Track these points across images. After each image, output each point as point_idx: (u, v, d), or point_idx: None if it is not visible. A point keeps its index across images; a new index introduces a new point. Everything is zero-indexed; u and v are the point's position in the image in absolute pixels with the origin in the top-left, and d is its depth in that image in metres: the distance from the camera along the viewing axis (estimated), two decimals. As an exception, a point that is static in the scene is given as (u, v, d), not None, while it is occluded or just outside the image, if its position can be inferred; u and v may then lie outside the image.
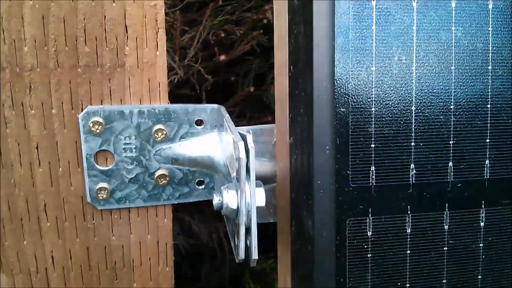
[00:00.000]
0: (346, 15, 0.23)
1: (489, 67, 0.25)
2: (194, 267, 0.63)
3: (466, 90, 0.24)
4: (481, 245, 0.26)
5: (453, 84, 0.24)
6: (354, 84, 0.23)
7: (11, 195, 0.31)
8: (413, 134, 0.24)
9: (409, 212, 0.24)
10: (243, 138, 0.24)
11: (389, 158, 0.24)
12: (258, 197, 0.24)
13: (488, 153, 0.25)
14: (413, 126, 0.24)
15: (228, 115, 0.30)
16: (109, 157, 0.31)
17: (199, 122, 0.31)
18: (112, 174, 0.31)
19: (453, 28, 0.24)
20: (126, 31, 0.29)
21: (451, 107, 0.24)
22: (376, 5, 0.23)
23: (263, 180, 0.33)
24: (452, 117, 0.24)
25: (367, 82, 0.23)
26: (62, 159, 0.30)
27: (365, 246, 0.24)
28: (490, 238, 0.26)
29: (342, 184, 0.23)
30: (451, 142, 0.25)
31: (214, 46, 0.49)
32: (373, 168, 0.24)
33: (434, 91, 0.24)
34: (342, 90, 0.23)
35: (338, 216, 0.24)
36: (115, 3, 0.28)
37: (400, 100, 0.24)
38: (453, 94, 0.24)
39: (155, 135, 0.31)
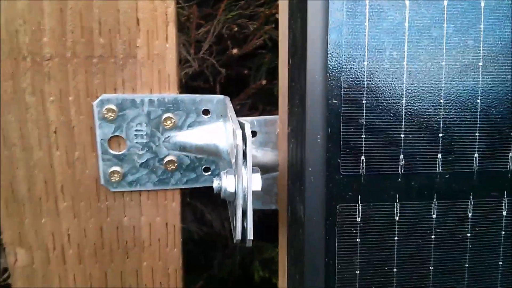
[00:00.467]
0: (339, 12, 0.24)
1: (480, 64, 0.25)
2: (206, 254, 0.65)
3: (456, 85, 0.25)
4: (468, 234, 0.27)
5: (443, 79, 0.25)
6: (346, 77, 0.24)
7: (31, 176, 0.33)
8: (403, 126, 0.25)
9: (397, 200, 0.26)
10: (242, 126, 0.25)
11: (379, 148, 0.25)
12: (254, 182, 0.26)
13: (477, 146, 0.26)
14: (403, 118, 0.25)
15: (231, 105, 0.31)
16: (122, 142, 0.33)
17: (206, 112, 0.33)
18: (124, 159, 0.33)
19: (445, 25, 0.25)
20: (138, 24, 0.30)
21: (441, 101, 0.25)
22: (369, 2, 0.24)
23: (266, 168, 0.34)
24: (442, 111, 0.25)
25: (359, 76, 0.24)
26: (78, 144, 0.32)
27: (354, 231, 0.25)
28: (477, 228, 0.27)
29: (333, 172, 0.25)
30: (440, 135, 0.25)
31: (228, 40, 0.50)
32: (363, 157, 0.25)
33: (425, 85, 0.25)
34: (334, 82, 0.24)
35: (328, 202, 0.25)
36: (127, -2, 0.30)
37: (390, 93, 0.25)
38: (443, 88, 0.25)
39: (165, 123, 0.32)
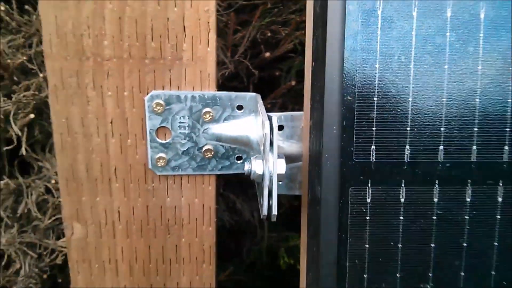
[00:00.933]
0: (355, 22, 0.28)
1: (479, 67, 0.29)
2: (237, 241, 0.70)
3: (457, 86, 0.29)
4: (466, 217, 0.30)
5: (445, 81, 0.29)
6: (360, 78, 0.28)
7: (89, 160, 0.38)
8: (409, 120, 0.29)
9: (403, 185, 0.29)
10: (269, 118, 0.30)
11: (387, 139, 0.29)
12: (279, 165, 0.30)
13: (475, 139, 0.29)
14: (409, 114, 0.29)
15: (261, 101, 0.36)
16: (167, 132, 0.37)
17: (239, 107, 0.37)
18: (169, 147, 0.38)
19: (448, 33, 0.29)
20: (184, 31, 0.35)
21: (443, 99, 0.29)
22: (381, 14, 0.28)
23: (292, 158, 0.38)
24: (444, 108, 0.29)
25: (371, 76, 0.28)
26: (130, 133, 0.37)
27: (364, 210, 0.29)
28: (475, 212, 0.30)
29: (346, 159, 0.29)
30: (442, 129, 0.29)
31: (261, 44, 0.55)
32: (373, 147, 0.29)
33: (429, 86, 0.29)
34: (349, 82, 0.28)
35: (342, 184, 0.29)
36: (176, 8, 0.34)
37: (399, 92, 0.29)
38: (445, 89, 0.29)
39: (204, 116, 0.37)
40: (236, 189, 0.65)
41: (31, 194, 0.64)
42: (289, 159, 0.37)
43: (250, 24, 0.55)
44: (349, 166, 0.29)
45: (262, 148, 0.31)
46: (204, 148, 0.38)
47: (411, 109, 0.29)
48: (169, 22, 0.35)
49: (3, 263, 0.69)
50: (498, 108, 0.29)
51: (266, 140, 0.29)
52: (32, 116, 0.54)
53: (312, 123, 0.32)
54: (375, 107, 0.28)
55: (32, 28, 0.55)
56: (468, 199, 0.30)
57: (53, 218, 0.65)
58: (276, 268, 0.64)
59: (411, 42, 0.28)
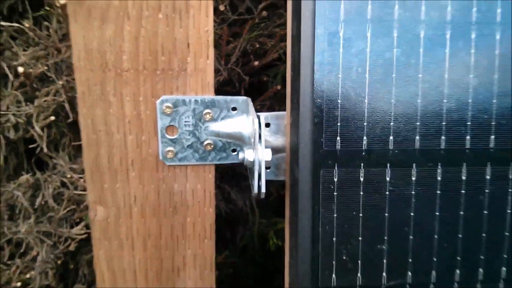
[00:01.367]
0: (322, 42, 0.36)
1: (420, 75, 0.37)
2: (231, 229, 0.78)
3: (402, 90, 0.37)
4: (413, 192, 0.38)
5: (393, 86, 0.37)
6: (327, 85, 0.36)
7: (110, 153, 0.46)
8: (365, 117, 0.37)
9: (362, 167, 0.37)
10: (258, 117, 0.38)
11: (349, 132, 0.37)
12: (265, 154, 0.38)
13: (418, 130, 0.38)
14: (365, 112, 0.37)
15: (252, 103, 0.44)
16: (175, 130, 0.45)
17: (234, 109, 0.45)
18: (176, 141, 0.46)
19: (394, 50, 0.37)
20: (188, 47, 0.43)
21: (392, 101, 0.37)
22: (342, 35, 0.36)
23: (277, 150, 0.46)
24: (393, 107, 0.37)
25: (335, 84, 0.36)
26: (145, 130, 0.45)
27: (332, 187, 0.37)
28: (419, 188, 0.38)
29: (317, 148, 0.37)
30: (391, 123, 0.37)
31: (251, 54, 0.63)
32: (338, 138, 0.37)
33: (380, 90, 0.37)
34: (319, 88, 0.36)
35: (314, 167, 0.37)
36: (181, 29, 0.42)
37: (357, 95, 0.37)
38: (393, 93, 0.37)
39: (205, 116, 0.45)
40: (231, 181, 0.73)
41: (48, 188, 0.72)
42: (275, 150, 0.45)
43: (241, 37, 0.63)
44: (320, 154, 0.37)
45: (252, 140, 0.40)
46: (205, 143, 0.46)
47: (367, 108, 0.37)
48: (176, 41, 0.43)
49: (21, 251, 0.76)
50: (435, 106, 0.37)
51: (256, 134, 0.37)
52: (52, 118, 0.61)
53: (291, 121, 0.40)
54: (339, 107, 0.37)
55: (49, 41, 0.63)
56: (414, 178, 0.38)
57: (68, 209, 0.73)
58: (266, 249, 0.72)
59: (366, 57, 0.36)
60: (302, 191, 0.37)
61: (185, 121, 0.45)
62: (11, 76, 0.59)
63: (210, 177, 0.48)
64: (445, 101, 0.38)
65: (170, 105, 0.44)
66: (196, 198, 0.48)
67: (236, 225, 0.76)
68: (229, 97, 0.45)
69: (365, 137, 0.37)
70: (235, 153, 0.47)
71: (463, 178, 0.39)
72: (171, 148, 0.45)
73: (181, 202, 0.48)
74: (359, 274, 0.39)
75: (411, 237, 0.39)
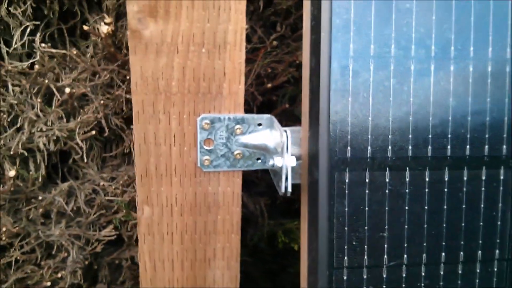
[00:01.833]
0: (336, 74, 0.46)
1: (411, 99, 0.48)
2: (242, 230, 0.87)
3: (398, 111, 0.47)
4: (407, 190, 0.48)
5: (391, 108, 0.47)
6: (340, 107, 0.46)
7: (158, 161, 0.55)
8: (369, 132, 0.47)
9: (367, 171, 0.47)
10: (286, 131, 0.48)
11: (357, 143, 0.47)
12: (291, 161, 0.48)
13: (410, 142, 0.48)
14: (369, 128, 0.47)
15: (277, 120, 0.53)
16: (211, 142, 0.55)
17: (259, 124, 0.55)
18: (212, 152, 0.55)
19: (391, 79, 0.47)
20: (224, 75, 0.53)
21: (390, 119, 0.47)
22: (351, 68, 0.46)
23: (296, 157, 0.56)
24: (390, 124, 0.47)
25: (346, 106, 0.47)
26: (186, 142, 0.54)
27: (344, 187, 0.47)
28: (411, 187, 0.48)
29: (332, 155, 0.47)
30: (389, 136, 0.47)
31: (264, 77, 0.73)
32: (348, 148, 0.47)
33: (381, 111, 0.47)
34: (334, 109, 0.46)
35: (330, 171, 0.47)
36: (220, 60, 0.52)
37: (363, 114, 0.47)
38: (391, 113, 0.47)
39: (236, 131, 0.55)
40: (243, 188, 0.82)
41: (81, 194, 0.80)
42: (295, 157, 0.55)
43: (254, 62, 0.73)
44: (334, 160, 0.47)
45: (280, 150, 0.49)
46: (235, 152, 0.55)
47: (371, 125, 0.47)
48: (215, 70, 0.52)
49: (53, 252, 0.84)
50: (423, 123, 0.48)
51: (284, 145, 0.47)
52: (93, 132, 0.70)
53: (310, 134, 0.50)
54: (349, 124, 0.47)
55: (88, 64, 0.72)
56: (407, 179, 0.48)
57: (98, 213, 0.81)
58: (274, 247, 0.81)
59: (369, 85, 0.47)
60: (321, 190, 0.47)
61: (220, 135, 0.54)
62: (58, 95, 0.68)
63: (238, 181, 0.57)
64: (430, 118, 0.48)
65: (208, 121, 0.54)
66: (226, 198, 0.57)
67: (247, 226, 0.85)
68: (256, 115, 0.55)
69: (369, 147, 0.47)
70: (259, 161, 0.56)
71: (446, 179, 0.49)
72: (207, 157, 0.55)
73: (213, 202, 0.57)
74: (365, 256, 0.48)
75: (405, 226, 0.49)
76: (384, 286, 0.49)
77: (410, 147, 0.48)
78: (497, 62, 0.48)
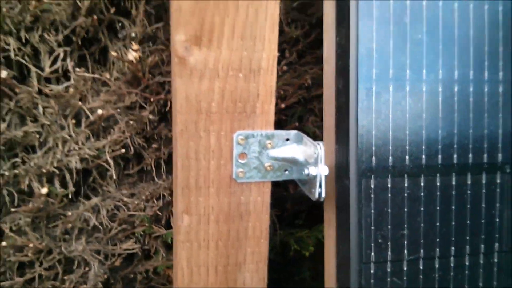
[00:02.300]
0: (362, 95, 0.53)
1: (423, 115, 0.55)
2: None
3: (414, 125, 0.55)
4: (422, 194, 0.56)
5: (407, 122, 0.55)
6: (365, 123, 0.54)
7: (197, 175, 0.60)
8: (390, 144, 0.54)
9: (389, 177, 0.55)
10: (319, 144, 0.54)
11: (380, 154, 0.54)
12: (325, 170, 0.54)
13: (424, 154, 0.55)
14: (390, 140, 0.54)
15: (307, 136, 0.60)
16: (245, 156, 0.61)
17: (287, 139, 0.62)
18: (245, 164, 0.61)
19: (407, 99, 0.55)
20: (258, 97, 0.59)
21: (407, 132, 0.55)
22: (374, 90, 0.54)
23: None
24: (407, 136, 0.55)
25: (370, 122, 0.54)
26: (223, 156, 0.60)
27: (370, 192, 0.54)
28: (426, 191, 0.56)
29: (360, 165, 0.54)
30: (407, 147, 0.55)
31: (277, 99, 0.80)
32: (373, 158, 0.54)
33: (399, 125, 0.55)
34: (360, 125, 0.53)
35: (358, 178, 0.54)
36: (254, 84, 0.59)
37: (384, 129, 0.54)
38: (407, 126, 0.55)
39: (267, 145, 0.61)
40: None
41: (103, 210, 0.84)
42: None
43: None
44: (362, 169, 0.54)
45: (312, 160, 0.56)
46: (266, 165, 0.62)
47: (391, 138, 0.54)
48: (249, 92, 0.59)
49: (74, 267, 0.87)
50: (434, 136, 0.56)
51: (319, 156, 0.53)
52: (123, 150, 0.75)
53: (338, 147, 0.57)
54: (373, 137, 0.54)
55: (116, 87, 0.77)
56: (422, 184, 0.56)
57: (119, 228, 0.85)
58: (285, 254, 0.87)
59: (389, 105, 0.54)
60: (351, 195, 0.54)
61: (253, 149, 0.61)
62: (91, 117, 0.73)
63: (267, 191, 0.63)
64: (439, 131, 0.56)
65: (243, 137, 0.60)
66: (256, 207, 0.63)
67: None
68: (284, 131, 0.61)
69: (390, 157, 0.54)
70: (287, 172, 0.63)
71: (453, 183, 0.57)
72: (241, 169, 0.61)
73: (245, 211, 0.63)
74: (389, 252, 0.55)
75: (421, 225, 0.56)
76: (405, 278, 0.56)
77: (423, 156, 0.55)
78: (491, 84, 0.57)
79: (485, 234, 0.58)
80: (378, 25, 0.53)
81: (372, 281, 0.54)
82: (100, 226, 0.83)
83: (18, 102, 0.70)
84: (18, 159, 0.73)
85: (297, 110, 0.82)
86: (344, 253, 0.56)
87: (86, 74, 0.71)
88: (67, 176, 0.76)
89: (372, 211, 0.54)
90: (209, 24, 0.55)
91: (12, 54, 0.67)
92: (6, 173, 0.71)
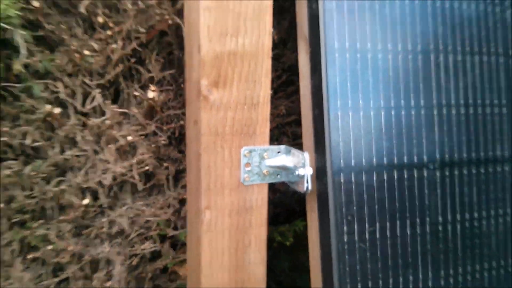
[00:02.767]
0: (331, 119, 0.78)
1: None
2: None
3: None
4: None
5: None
6: (336, 137, 0.78)
7: (216, 180, 0.82)
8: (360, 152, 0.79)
9: (352, 174, 0.79)
10: (304, 153, 0.78)
11: (347, 162, 0.79)
12: (310, 170, 0.78)
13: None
14: (362, 150, 0.79)
15: (294, 148, 0.84)
16: (249, 165, 0.83)
17: (279, 152, 0.85)
18: (250, 171, 0.83)
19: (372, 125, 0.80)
20: (257, 123, 0.83)
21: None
22: (340, 115, 0.79)
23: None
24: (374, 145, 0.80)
25: (338, 139, 0.79)
26: (233, 165, 0.82)
27: (340, 185, 0.78)
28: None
29: (334, 166, 0.78)
30: (373, 158, 0.80)
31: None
32: (341, 161, 0.79)
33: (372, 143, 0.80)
34: (334, 143, 0.78)
35: (332, 176, 0.78)
36: (255, 112, 0.82)
37: (349, 142, 0.79)
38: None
39: (264, 157, 0.84)
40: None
41: (123, 218, 1.03)
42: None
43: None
44: (335, 169, 0.78)
45: (300, 165, 0.80)
46: (264, 171, 0.84)
47: (352, 151, 0.79)
48: (252, 119, 0.82)
49: (99, 267, 1.05)
50: (379, 146, 0.81)
51: (305, 162, 0.77)
52: (147, 168, 0.95)
53: (316, 156, 0.81)
54: (341, 151, 0.79)
55: (143, 119, 0.98)
56: (374, 178, 0.81)
57: (139, 231, 1.05)
58: (269, 245, 1.09)
59: (350, 124, 0.79)
60: (329, 188, 0.78)
61: (254, 160, 0.84)
62: (121, 142, 0.93)
63: (265, 191, 0.86)
64: (384, 142, 0.81)
65: (248, 151, 0.83)
66: (258, 203, 0.86)
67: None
68: (276, 146, 0.85)
69: (352, 160, 0.79)
70: (278, 175, 0.86)
71: (395, 177, 0.82)
72: (247, 175, 0.83)
73: (249, 206, 0.85)
74: (355, 225, 0.79)
75: (376, 206, 0.81)
76: (367, 243, 0.80)
77: (374, 159, 0.81)
78: (415, 109, 0.83)
79: (419, 211, 0.83)
80: (339, 72, 0.78)
81: (345, 246, 0.78)
82: (122, 231, 1.02)
83: (63, 132, 0.90)
84: (63, 178, 0.91)
85: (274, 133, 1.05)
86: (325, 228, 0.79)
87: (119, 110, 0.92)
88: (100, 190, 0.95)
89: (343, 198, 0.78)
90: (223, 73, 0.79)
91: (61, 95, 0.87)
92: (53, 189, 0.90)
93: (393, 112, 0.82)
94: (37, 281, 0.98)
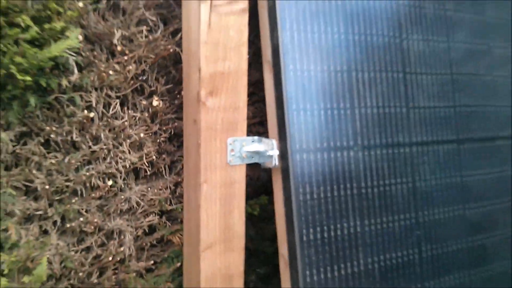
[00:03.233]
0: (290, 116, 1.15)
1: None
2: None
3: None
4: (326, 162, 1.18)
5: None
6: (297, 126, 1.15)
7: (211, 161, 1.15)
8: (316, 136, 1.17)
9: (305, 154, 1.16)
10: (272, 141, 1.14)
11: (301, 145, 1.16)
12: (276, 152, 1.14)
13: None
14: (317, 135, 1.16)
15: (265, 138, 1.19)
16: (233, 150, 1.17)
17: (253, 141, 1.20)
18: (234, 155, 1.17)
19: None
20: (238, 121, 1.18)
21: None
22: (295, 113, 1.16)
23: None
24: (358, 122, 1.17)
25: (297, 129, 1.15)
26: (223, 151, 1.16)
27: (297, 162, 1.15)
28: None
29: (293, 149, 1.15)
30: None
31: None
32: (297, 145, 1.15)
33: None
34: (293, 132, 1.15)
35: (292, 155, 1.15)
36: (237, 114, 1.17)
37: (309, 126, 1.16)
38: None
39: (243, 144, 1.19)
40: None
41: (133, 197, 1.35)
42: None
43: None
44: (293, 150, 1.15)
45: (269, 148, 1.15)
46: (243, 155, 1.19)
47: (307, 137, 1.17)
48: (235, 119, 1.17)
49: (114, 236, 1.35)
50: (325, 135, 1.19)
51: (274, 146, 1.13)
52: (153, 157, 1.27)
53: (280, 142, 1.17)
54: (298, 138, 1.16)
55: (148, 121, 1.30)
56: (319, 156, 1.18)
57: (144, 207, 1.36)
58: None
59: (307, 120, 1.17)
60: (290, 164, 1.14)
61: (237, 147, 1.18)
62: (136, 138, 1.25)
63: (244, 170, 1.21)
64: (331, 132, 1.20)
65: (232, 141, 1.17)
66: (239, 178, 1.20)
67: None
68: (251, 137, 1.20)
69: (305, 143, 1.16)
70: (253, 158, 1.21)
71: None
72: (231, 158, 1.18)
73: (233, 181, 1.19)
74: (314, 189, 1.16)
75: (321, 176, 1.19)
76: (322, 201, 1.17)
77: (320, 144, 1.18)
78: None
79: (348, 179, 1.22)
80: (294, 85, 1.15)
81: (301, 203, 1.15)
82: (131, 208, 1.33)
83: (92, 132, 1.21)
84: (91, 166, 1.22)
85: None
86: (287, 192, 1.16)
87: (135, 114, 1.23)
88: (118, 175, 1.26)
89: (299, 170, 1.15)
90: (216, 86, 1.13)
91: (93, 104, 1.19)
92: (85, 173, 1.21)
93: (329, 112, 1.20)
94: (67, 248, 1.27)
